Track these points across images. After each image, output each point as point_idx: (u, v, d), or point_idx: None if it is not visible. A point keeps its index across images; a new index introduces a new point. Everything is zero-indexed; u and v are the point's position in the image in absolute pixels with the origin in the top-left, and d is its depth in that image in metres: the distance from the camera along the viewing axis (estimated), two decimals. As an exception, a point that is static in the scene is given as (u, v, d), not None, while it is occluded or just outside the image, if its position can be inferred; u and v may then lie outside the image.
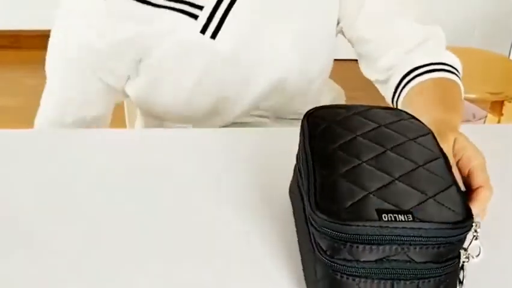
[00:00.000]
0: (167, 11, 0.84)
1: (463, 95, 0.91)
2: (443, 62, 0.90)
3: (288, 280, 0.60)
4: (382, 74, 0.93)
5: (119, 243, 0.65)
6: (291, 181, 0.68)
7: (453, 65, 0.91)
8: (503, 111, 1.86)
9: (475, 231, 0.56)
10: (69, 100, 0.92)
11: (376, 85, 0.97)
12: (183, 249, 0.64)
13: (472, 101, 1.88)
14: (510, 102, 1.84)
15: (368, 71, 0.96)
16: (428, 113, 0.77)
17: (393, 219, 0.52)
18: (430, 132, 0.65)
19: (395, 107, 0.91)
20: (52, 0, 0.86)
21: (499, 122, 1.90)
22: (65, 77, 0.91)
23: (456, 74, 0.91)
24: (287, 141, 0.69)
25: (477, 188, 0.65)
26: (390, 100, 0.93)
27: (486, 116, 2.00)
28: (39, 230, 0.67)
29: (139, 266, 0.62)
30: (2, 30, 2.97)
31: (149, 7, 0.83)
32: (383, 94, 0.96)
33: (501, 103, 1.87)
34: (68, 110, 0.92)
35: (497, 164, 0.81)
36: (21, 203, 0.71)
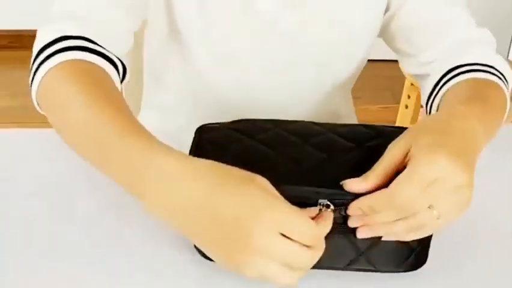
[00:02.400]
0: None
1: (508, 107, 0.80)
2: (491, 65, 0.81)
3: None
4: (422, 68, 0.86)
5: (122, 243, 0.65)
6: None
7: (502, 72, 0.81)
8: (503, 111, 1.86)
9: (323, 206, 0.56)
10: None
11: (416, 80, 0.91)
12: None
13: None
14: (509, 102, 1.84)
15: (407, 65, 0.90)
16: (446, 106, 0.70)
17: None
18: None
19: (429, 108, 0.83)
20: (52, 0, 0.86)
21: (498, 122, 1.89)
22: None
23: (503, 81, 0.80)
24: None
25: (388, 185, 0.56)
26: (426, 100, 0.84)
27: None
28: (40, 230, 0.67)
29: (140, 267, 0.62)
30: (2, 30, 2.96)
31: None
32: (421, 92, 0.88)
33: (500, 103, 1.86)
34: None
35: (497, 163, 0.81)
36: (21, 203, 0.71)
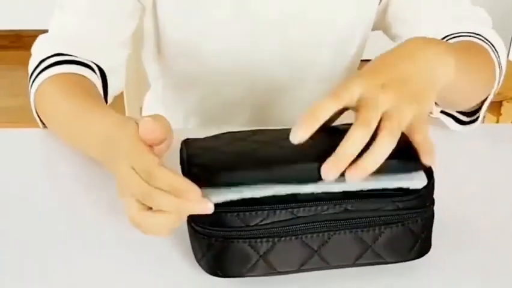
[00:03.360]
0: None
1: (496, 73, 0.80)
2: (479, 33, 0.82)
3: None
4: None
5: (122, 243, 0.65)
6: None
7: (493, 43, 0.82)
8: (502, 111, 1.87)
9: None
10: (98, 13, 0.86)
11: None
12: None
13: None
14: (508, 102, 1.84)
15: None
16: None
17: None
18: None
19: None
20: (53, 0, 0.86)
21: (497, 121, 1.90)
22: None
23: (492, 49, 0.81)
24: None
25: None
26: None
27: (484, 116, 2.00)
28: (40, 230, 0.67)
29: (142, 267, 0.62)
30: (2, 30, 2.96)
31: None
32: None
33: (499, 103, 1.87)
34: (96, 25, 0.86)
35: (496, 163, 0.81)
36: (21, 203, 0.71)
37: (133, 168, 0.55)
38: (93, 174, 0.76)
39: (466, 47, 0.78)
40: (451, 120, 0.87)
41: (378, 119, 0.53)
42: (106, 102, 0.86)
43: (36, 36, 0.87)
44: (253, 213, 0.55)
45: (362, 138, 0.52)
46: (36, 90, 0.82)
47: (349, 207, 0.56)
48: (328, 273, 0.59)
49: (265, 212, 0.55)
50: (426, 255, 0.61)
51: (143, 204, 0.55)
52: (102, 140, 0.66)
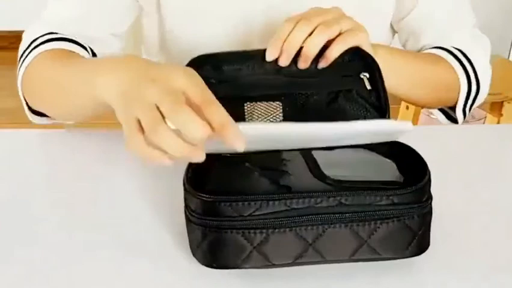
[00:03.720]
0: None
1: (459, 85, 0.87)
2: (458, 48, 0.88)
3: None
4: None
5: (122, 243, 0.65)
6: None
7: (469, 57, 0.88)
8: (503, 112, 1.87)
9: None
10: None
11: None
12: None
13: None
14: (509, 103, 1.84)
15: None
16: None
17: None
18: None
19: None
20: (52, 0, 0.86)
21: (498, 122, 1.90)
22: None
23: (462, 63, 0.87)
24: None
25: None
26: None
27: (485, 117, 2.00)
28: (39, 230, 0.67)
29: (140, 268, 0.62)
30: (2, 31, 2.97)
31: None
32: None
33: (500, 104, 1.87)
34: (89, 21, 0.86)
35: (497, 163, 0.81)
36: (20, 203, 0.71)
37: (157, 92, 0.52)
38: (93, 174, 0.76)
39: (424, 54, 0.87)
40: (442, 116, 0.92)
41: (320, 21, 0.69)
42: None
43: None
44: (246, 203, 0.56)
45: (303, 32, 0.69)
46: (26, 66, 0.80)
47: (343, 201, 0.57)
48: (327, 273, 0.59)
49: (259, 202, 0.56)
50: (426, 255, 0.61)
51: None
52: (110, 67, 0.62)
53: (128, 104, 0.55)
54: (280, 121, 0.69)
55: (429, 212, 0.60)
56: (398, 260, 0.60)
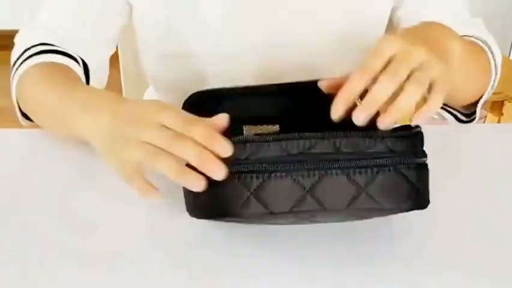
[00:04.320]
0: None
1: (492, 74, 0.85)
2: (477, 35, 0.86)
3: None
4: None
5: (122, 243, 0.65)
6: None
7: (491, 46, 0.86)
8: (503, 111, 1.87)
9: None
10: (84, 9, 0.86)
11: None
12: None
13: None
14: (510, 102, 1.84)
15: None
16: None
17: None
18: None
19: None
20: (44, 5, 0.86)
21: (499, 121, 1.90)
22: None
23: (490, 50, 0.85)
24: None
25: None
26: None
27: (486, 116, 2.00)
28: (39, 230, 0.67)
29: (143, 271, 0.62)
30: (2, 30, 2.96)
31: None
32: None
33: (501, 103, 1.87)
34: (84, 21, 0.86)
35: (497, 163, 0.81)
36: (20, 203, 0.71)
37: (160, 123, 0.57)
38: (92, 175, 0.76)
39: (471, 45, 0.81)
40: (451, 117, 0.89)
41: (408, 72, 0.57)
42: None
43: (36, 36, 0.87)
44: (241, 145, 0.56)
45: (388, 84, 0.56)
46: (18, 79, 0.81)
47: (338, 144, 0.57)
48: (326, 268, 0.59)
49: (254, 144, 0.56)
50: (424, 253, 0.60)
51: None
52: (97, 98, 0.66)
53: (115, 151, 0.59)
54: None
55: (426, 167, 0.60)
56: (396, 255, 0.60)
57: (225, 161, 0.55)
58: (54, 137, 0.80)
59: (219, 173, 0.54)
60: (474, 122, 0.88)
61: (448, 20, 0.88)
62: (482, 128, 0.87)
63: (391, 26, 0.94)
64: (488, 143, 0.86)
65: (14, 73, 0.82)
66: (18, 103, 0.84)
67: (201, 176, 0.55)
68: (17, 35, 0.87)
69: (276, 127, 0.71)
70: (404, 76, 0.57)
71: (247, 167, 0.56)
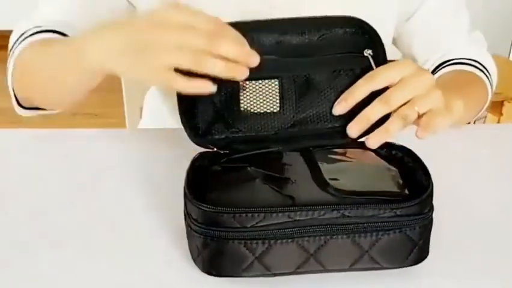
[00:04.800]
0: None
1: (488, 95, 0.89)
2: (473, 58, 0.89)
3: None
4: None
5: (121, 243, 0.65)
6: None
7: (483, 64, 0.89)
8: (503, 111, 1.87)
9: None
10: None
11: None
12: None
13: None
14: (510, 102, 1.84)
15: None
16: None
17: None
18: None
19: None
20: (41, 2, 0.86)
21: (498, 121, 1.90)
22: None
23: (484, 73, 0.89)
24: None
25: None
26: None
27: (486, 116, 2.01)
28: (39, 230, 0.66)
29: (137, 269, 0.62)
30: (1, 31, 2.96)
31: None
32: None
33: (501, 103, 1.87)
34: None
35: (497, 163, 0.81)
36: (20, 204, 0.71)
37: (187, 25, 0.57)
38: (92, 175, 0.76)
39: (468, 81, 0.87)
40: None
41: (403, 102, 0.63)
42: None
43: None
44: (250, 215, 0.55)
45: (378, 112, 0.63)
46: (16, 57, 0.80)
47: (347, 213, 0.56)
48: (325, 276, 0.59)
49: (262, 214, 0.55)
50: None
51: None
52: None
53: (144, 58, 0.57)
54: (278, 99, 0.68)
55: (430, 222, 0.60)
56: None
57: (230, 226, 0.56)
58: (55, 138, 0.80)
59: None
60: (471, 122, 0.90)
61: (451, 35, 0.90)
62: (482, 128, 0.87)
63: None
64: (487, 143, 0.86)
65: (11, 57, 0.81)
66: (14, 91, 0.83)
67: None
68: (13, 30, 0.85)
69: (275, 82, 0.68)
70: (399, 104, 0.63)
71: (254, 234, 0.55)
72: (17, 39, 0.82)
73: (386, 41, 0.92)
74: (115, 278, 0.60)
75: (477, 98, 0.87)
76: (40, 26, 0.82)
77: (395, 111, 0.63)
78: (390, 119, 0.63)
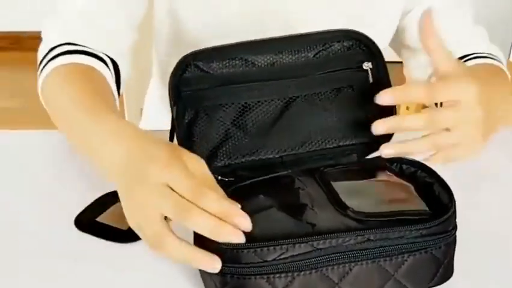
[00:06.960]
0: None
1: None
2: (490, 52, 0.88)
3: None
4: (427, 69, 0.89)
5: (122, 247, 0.65)
6: None
7: (498, 58, 0.88)
8: (503, 112, 1.86)
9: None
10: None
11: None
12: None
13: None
14: (510, 103, 1.84)
15: (412, 68, 0.94)
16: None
17: None
18: None
19: None
20: (52, 1, 0.86)
21: (498, 122, 1.90)
22: None
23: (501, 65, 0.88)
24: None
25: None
26: None
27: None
28: (39, 231, 0.67)
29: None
30: (2, 32, 2.96)
31: None
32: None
33: (501, 104, 1.87)
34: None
35: (497, 163, 0.81)
36: (20, 204, 0.71)
37: (167, 184, 0.52)
38: (92, 176, 0.76)
39: (494, 72, 0.84)
40: None
41: (444, 128, 0.61)
42: (119, 90, 0.82)
43: (36, 38, 0.86)
44: (271, 248, 0.52)
45: (416, 125, 0.61)
46: (43, 80, 0.78)
47: (372, 237, 0.54)
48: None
49: (284, 246, 0.53)
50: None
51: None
52: (111, 150, 0.61)
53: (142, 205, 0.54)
54: (279, 121, 0.67)
55: (454, 241, 0.59)
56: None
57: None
58: (56, 138, 0.80)
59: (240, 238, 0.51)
60: None
61: (457, 30, 0.89)
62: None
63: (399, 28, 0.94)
64: (487, 143, 0.86)
65: (40, 72, 0.79)
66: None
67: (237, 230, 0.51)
68: (43, 27, 0.82)
69: (274, 105, 0.67)
70: (441, 128, 0.61)
71: (276, 268, 0.53)
72: (46, 54, 0.79)
73: (390, 33, 0.92)
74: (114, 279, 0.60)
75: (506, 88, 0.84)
76: (69, 44, 0.79)
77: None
78: (421, 140, 0.61)
